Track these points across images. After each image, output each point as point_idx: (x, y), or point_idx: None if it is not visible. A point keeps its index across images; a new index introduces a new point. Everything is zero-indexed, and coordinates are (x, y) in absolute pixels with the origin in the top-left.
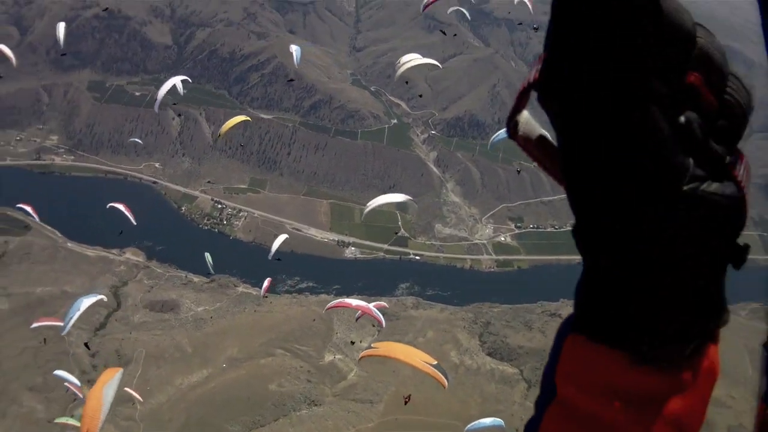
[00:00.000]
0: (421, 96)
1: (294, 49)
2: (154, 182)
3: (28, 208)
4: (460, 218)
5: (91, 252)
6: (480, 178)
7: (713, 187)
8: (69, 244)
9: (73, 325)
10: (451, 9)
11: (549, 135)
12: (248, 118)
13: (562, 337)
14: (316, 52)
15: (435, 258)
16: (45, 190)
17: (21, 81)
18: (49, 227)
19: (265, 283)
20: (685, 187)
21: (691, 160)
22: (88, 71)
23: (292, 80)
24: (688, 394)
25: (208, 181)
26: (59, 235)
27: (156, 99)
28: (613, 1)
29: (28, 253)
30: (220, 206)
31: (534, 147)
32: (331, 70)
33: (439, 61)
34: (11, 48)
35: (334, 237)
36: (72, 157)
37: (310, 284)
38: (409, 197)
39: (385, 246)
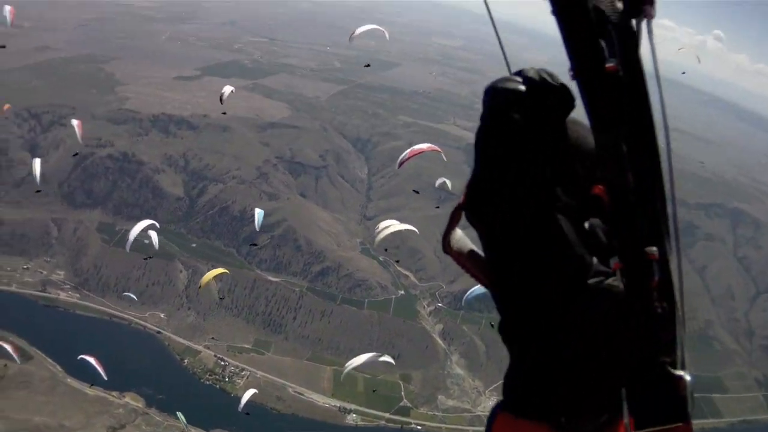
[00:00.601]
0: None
1: (258, 212)
2: (158, 332)
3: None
4: (464, 390)
5: (90, 391)
6: (485, 351)
7: (617, 281)
8: (69, 380)
9: None
10: (438, 181)
11: (478, 249)
12: (227, 270)
13: (492, 418)
14: (327, 219)
15: (437, 429)
16: (48, 323)
17: (32, 210)
18: (50, 360)
19: None
20: (589, 282)
21: (594, 259)
22: (99, 211)
23: (254, 244)
24: None
25: (212, 338)
26: (59, 369)
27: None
28: (525, 133)
29: (28, 381)
30: (222, 363)
31: (465, 259)
32: (340, 238)
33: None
34: (24, 175)
35: (336, 403)
36: (77, 295)
37: None
38: (376, 353)
39: (387, 415)
